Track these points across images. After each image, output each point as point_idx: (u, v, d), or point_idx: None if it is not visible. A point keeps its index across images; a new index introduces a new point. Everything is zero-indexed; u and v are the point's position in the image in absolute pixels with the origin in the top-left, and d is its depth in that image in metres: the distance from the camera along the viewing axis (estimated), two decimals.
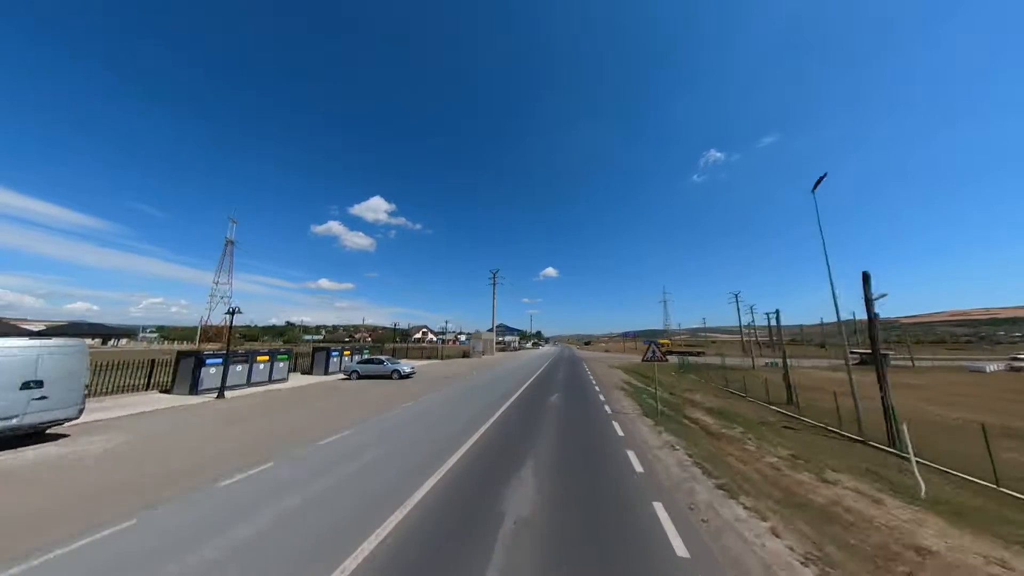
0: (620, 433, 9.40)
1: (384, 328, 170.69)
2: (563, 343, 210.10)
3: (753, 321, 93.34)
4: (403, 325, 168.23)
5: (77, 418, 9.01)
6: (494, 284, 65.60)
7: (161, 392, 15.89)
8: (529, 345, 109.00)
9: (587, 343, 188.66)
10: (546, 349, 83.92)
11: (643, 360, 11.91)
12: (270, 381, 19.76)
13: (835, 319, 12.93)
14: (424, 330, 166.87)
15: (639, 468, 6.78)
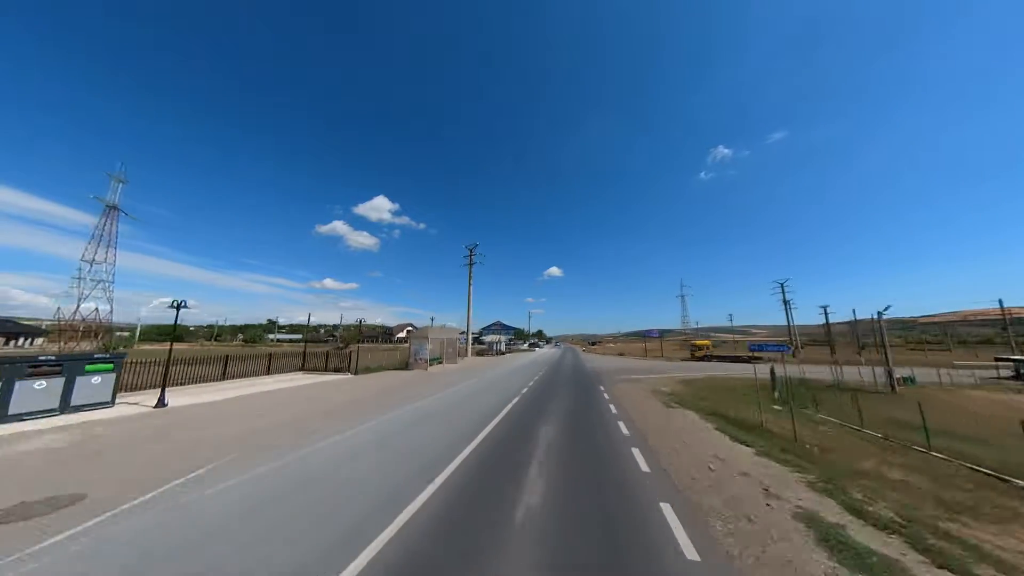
0: None
1: (383, 327, 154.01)
2: (567, 343, 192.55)
3: (793, 320, 75.73)
4: (415, 325, 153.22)
5: None
6: (470, 264, 48.86)
7: None
8: (525, 346, 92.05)
9: (594, 343, 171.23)
10: (544, 352, 66.85)
11: None
12: None
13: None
14: (409, 328, 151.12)
15: None
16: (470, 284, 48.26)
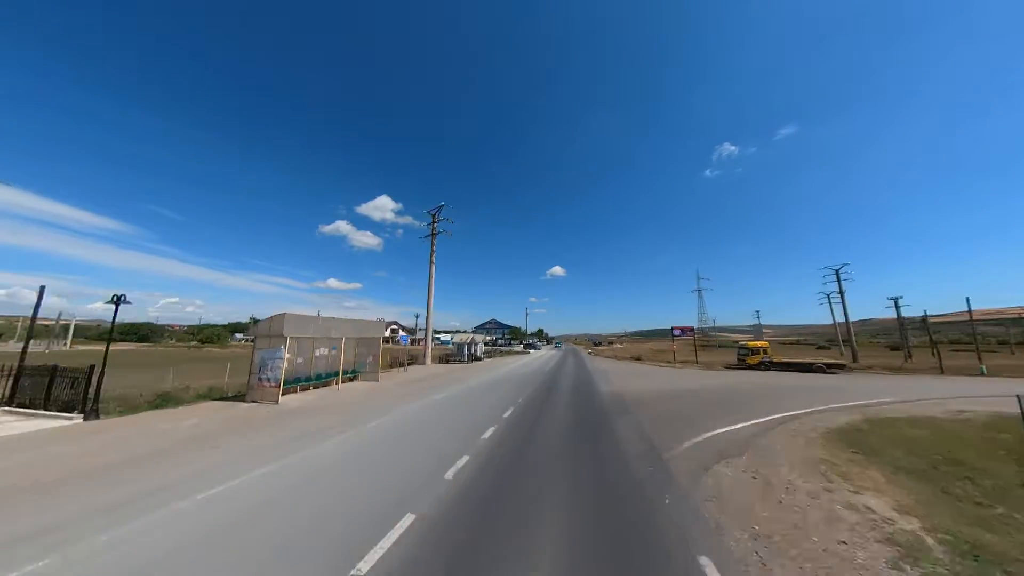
0: None
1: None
2: (570, 343, 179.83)
3: (845, 317, 61.99)
4: (399, 323, 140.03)
5: None
6: (432, 234, 35.57)
7: None
8: (519, 347, 78.74)
9: (598, 343, 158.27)
10: (539, 356, 53.57)
11: None
12: None
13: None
14: (393, 327, 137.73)
15: None
16: (431, 262, 34.95)
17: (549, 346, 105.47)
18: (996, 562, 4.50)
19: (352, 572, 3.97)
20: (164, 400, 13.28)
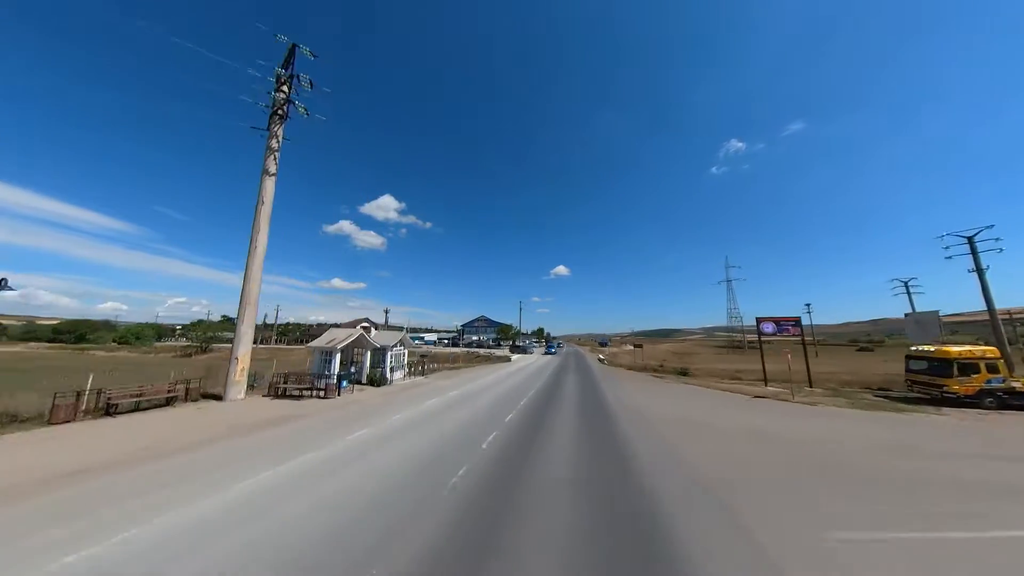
0: None
1: (336, 325, 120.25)
2: (574, 343, 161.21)
3: (988, 304, 43.43)
4: (371, 320, 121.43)
5: None
6: (276, 111, 16.56)
7: None
8: (502, 351, 60.37)
9: (603, 343, 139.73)
10: (526, 365, 34.81)
11: None
12: None
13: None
14: (364, 325, 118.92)
15: None
16: (270, 173, 16.11)
17: (540, 349, 78.51)
18: None
19: None
20: None
